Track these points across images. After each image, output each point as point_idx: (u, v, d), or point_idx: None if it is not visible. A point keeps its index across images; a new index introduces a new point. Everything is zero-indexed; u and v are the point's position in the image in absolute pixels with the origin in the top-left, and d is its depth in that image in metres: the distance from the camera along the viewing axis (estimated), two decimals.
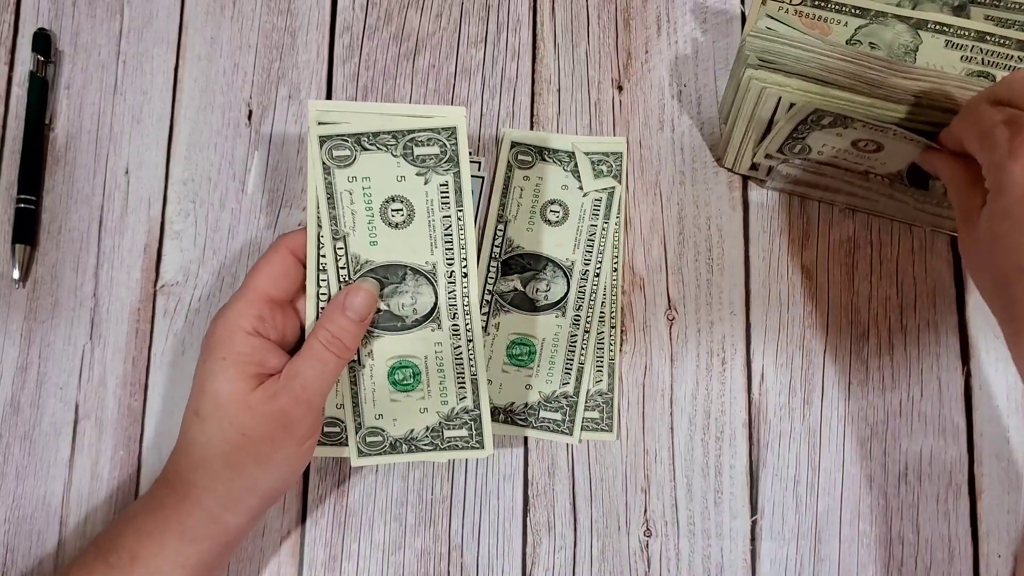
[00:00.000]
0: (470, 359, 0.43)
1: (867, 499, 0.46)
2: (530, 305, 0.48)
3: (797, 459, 0.47)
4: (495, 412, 0.47)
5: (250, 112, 0.52)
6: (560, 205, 0.49)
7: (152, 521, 0.39)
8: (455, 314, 0.42)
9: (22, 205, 0.50)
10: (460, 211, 0.42)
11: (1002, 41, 0.44)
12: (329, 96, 0.52)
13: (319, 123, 0.41)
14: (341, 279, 0.42)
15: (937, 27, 0.45)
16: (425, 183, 0.41)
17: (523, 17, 0.53)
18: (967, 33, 0.44)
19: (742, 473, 0.47)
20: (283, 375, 0.39)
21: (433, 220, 0.42)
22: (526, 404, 0.48)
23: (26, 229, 0.50)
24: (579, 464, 0.47)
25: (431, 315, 0.43)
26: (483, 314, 0.47)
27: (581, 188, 0.49)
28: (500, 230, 0.49)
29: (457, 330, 0.43)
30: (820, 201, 0.49)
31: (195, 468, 0.39)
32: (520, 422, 0.47)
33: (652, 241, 0.50)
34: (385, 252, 0.42)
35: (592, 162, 0.50)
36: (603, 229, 0.49)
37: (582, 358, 0.48)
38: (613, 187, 0.49)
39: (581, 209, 0.49)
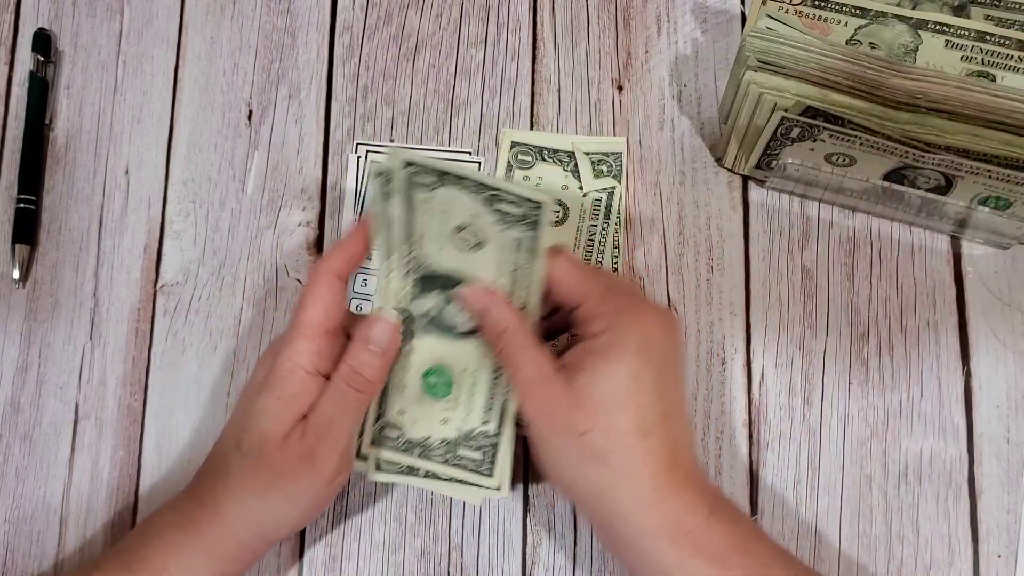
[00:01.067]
0: (507, 385, 0.41)
1: (867, 499, 0.46)
2: None
3: (797, 459, 0.47)
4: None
5: (250, 112, 0.52)
6: (560, 205, 0.49)
7: (182, 536, 0.39)
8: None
9: (22, 205, 0.50)
10: (528, 265, 0.39)
11: (1002, 41, 0.44)
12: (329, 96, 0.52)
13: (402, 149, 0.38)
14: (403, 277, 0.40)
15: (937, 27, 0.45)
16: (500, 231, 0.38)
17: (523, 17, 0.53)
18: (967, 33, 0.44)
19: (742, 473, 0.47)
20: (311, 414, 0.38)
21: (503, 258, 0.39)
22: None
23: (26, 229, 0.50)
24: None
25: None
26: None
27: (581, 188, 0.49)
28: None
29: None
30: (820, 201, 0.50)
31: (230, 499, 0.39)
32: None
33: (652, 241, 0.50)
34: (450, 263, 0.40)
35: (592, 162, 0.50)
36: (603, 229, 0.49)
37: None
38: (613, 187, 0.49)
39: (581, 209, 0.49)
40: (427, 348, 0.42)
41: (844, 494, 0.46)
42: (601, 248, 0.49)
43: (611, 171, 0.50)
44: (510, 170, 0.50)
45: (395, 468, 0.42)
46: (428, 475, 0.42)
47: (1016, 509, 0.46)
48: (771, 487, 0.46)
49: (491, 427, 0.41)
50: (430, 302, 0.41)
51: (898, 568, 0.45)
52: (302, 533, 0.46)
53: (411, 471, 0.42)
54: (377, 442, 0.42)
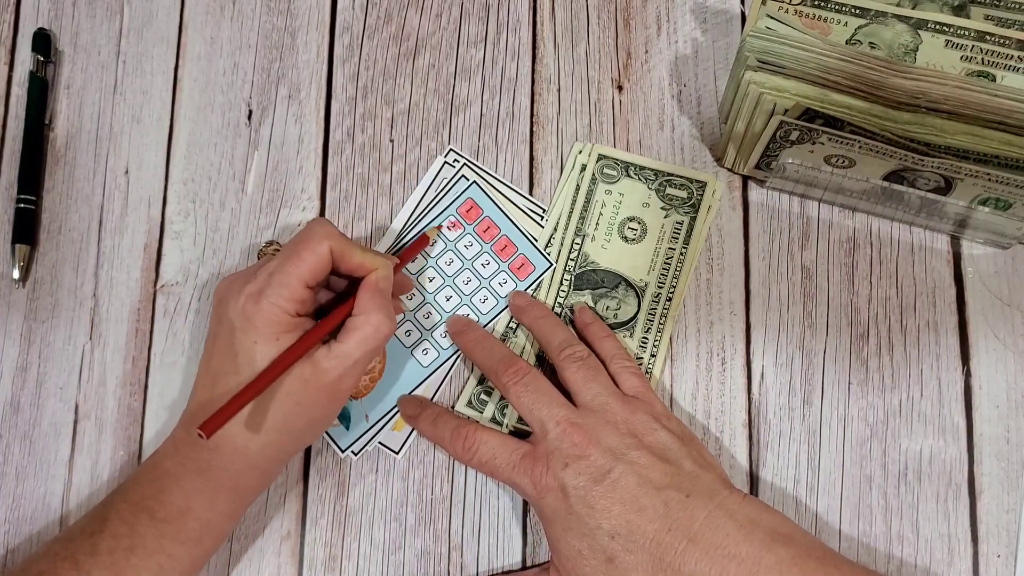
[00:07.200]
0: (648, 370, 0.47)
1: (867, 499, 0.46)
2: None
3: (797, 459, 0.47)
4: None
5: (250, 112, 0.52)
6: (639, 223, 0.49)
7: (202, 480, 0.41)
8: (648, 328, 0.48)
9: (22, 205, 0.50)
10: (685, 248, 0.48)
11: (1002, 41, 0.44)
12: (329, 95, 0.52)
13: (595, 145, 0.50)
14: (567, 268, 0.48)
15: (937, 27, 0.45)
16: (664, 216, 0.49)
17: (523, 17, 0.53)
18: (967, 33, 0.44)
19: (742, 473, 0.47)
20: (333, 352, 0.41)
21: (659, 247, 0.48)
22: None
23: (26, 229, 0.50)
24: None
25: (628, 323, 0.48)
26: None
27: (663, 208, 0.49)
28: (577, 243, 0.49)
29: (645, 343, 0.47)
30: (820, 201, 0.50)
31: (249, 436, 0.40)
32: None
33: None
34: (609, 260, 0.48)
35: (671, 183, 0.49)
36: (681, 254, 0.48)
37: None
38: (695, 214, 0.48)
39: (661, 230, 0.49)
40: None
41: (844, 494, 0.46)
42: (676, 273, 0.48)
43: (691, 198, 0.49)
44: (594, 183, 0.49)
45: None
46: None
47: (1016, 509, 0.46)
48: (771, 487, 0.46)
49: (656, 371, 0.48)
50: (581, 298, 0.48)
51: (898, 568, 0.45)
52: (302, 533, 0.46)
53: None
54: None
